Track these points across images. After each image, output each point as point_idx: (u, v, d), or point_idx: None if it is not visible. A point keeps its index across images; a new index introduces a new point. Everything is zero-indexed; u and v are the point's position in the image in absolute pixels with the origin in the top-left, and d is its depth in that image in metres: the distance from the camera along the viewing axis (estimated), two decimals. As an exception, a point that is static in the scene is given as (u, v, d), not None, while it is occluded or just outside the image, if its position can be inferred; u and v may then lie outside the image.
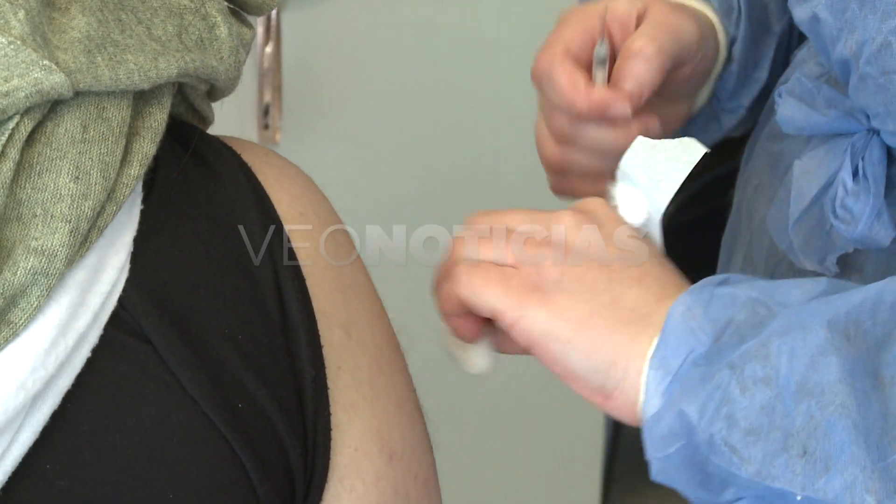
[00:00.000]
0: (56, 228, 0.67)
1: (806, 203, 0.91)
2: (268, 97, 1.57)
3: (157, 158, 0.73)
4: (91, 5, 0.70)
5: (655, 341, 0.77)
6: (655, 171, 0.84)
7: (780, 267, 0.97)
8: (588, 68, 0.96)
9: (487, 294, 0.81)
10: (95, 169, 0.68)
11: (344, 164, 1.67)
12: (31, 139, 0.68)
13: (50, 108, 0.68)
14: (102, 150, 0.69)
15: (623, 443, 2.19)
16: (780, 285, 0.78)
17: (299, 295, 0.75)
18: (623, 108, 0.94)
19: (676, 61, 0.96)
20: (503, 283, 0.81)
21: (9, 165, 0.66)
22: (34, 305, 0.66)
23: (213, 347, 0.71)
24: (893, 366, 0.73)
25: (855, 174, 0.88)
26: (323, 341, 0.75)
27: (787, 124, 0.92)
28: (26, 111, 0.67)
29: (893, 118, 0.85)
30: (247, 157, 0.78)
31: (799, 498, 0.73)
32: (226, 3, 0.76)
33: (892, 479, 0.71)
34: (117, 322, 0.69)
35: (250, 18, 0.79)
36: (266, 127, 1.59)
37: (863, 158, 0.88)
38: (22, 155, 0.67)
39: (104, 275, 0.69)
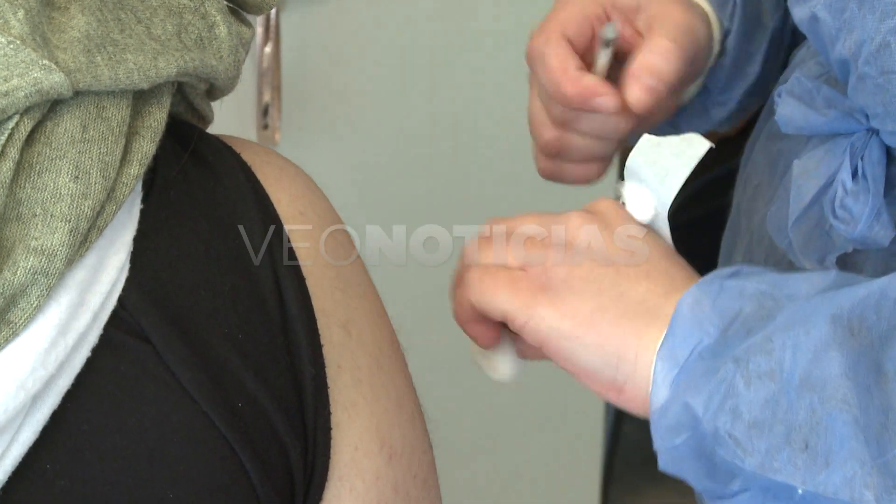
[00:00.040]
0: (56, 228, 0.67)
1: (805, 203, 0.91)
2: (267, 97, 1.57)
3: (156, 158, 0.73)
4: (90, 5, 0.70)
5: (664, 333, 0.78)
6: (661, 167, 0.84)
7: (779, 267, 0.97)
8: (582, 54, 0.96)
9: (497, 297, 0.82)
10: (95, 168, 0.68)
11: (343, 164, 1.67)
12: (30, 139, 0.68)
13: (49, 107, 0.68)
14: (102, 150, 0.69)
15: (622, 442, 2.19)
16: (788, 278, 0.78)
17: (299, 294, 0.75)
18: (610, 102, 0.93)
19: (690, 62, 0.96)
20: (512, 285, 0.82)
21: (8, 165, 0.66)
22: (34, 305, 0.66)
23: (212, 347, 0.71)
24: None
25: (854, 174, 0.88)
26: (323, 340, 0.75)
27: (786, 124, 0.92)
28: (26, 111, 0.67)
29: (892, 118, 0.85)
30: (246, 157, 0.78)
31: (800, 492, 0.73)
32: (225, 3, 0.76)
33: (891, 474, 0.72)
34: (117, 322, 0.69)
35: (249, 18, 0.79)
36: (265, 127, 1.59)
37: (862, 158, 0.88)
38: (22, 154, 0.67)
39: (104, 274, 0.69)
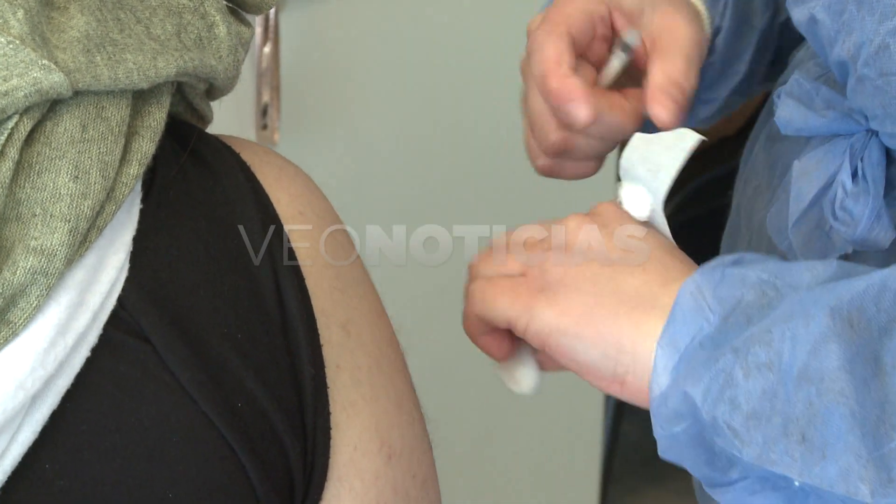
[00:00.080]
0: (55, 228, 0.67)
1: (805, 204, 0.91)
2: (266, 97, 1.57)
3: (156, 158, 0.73)
4: (90, 5, 0.70)
5: (664, 321, 0.78)
6: (653, 162, 0.85)
7: (779, 267, 0.97)
8: (581, 52, 0.95)
9: (498, 305, 0.83)
10: (95, 168, 0.68)
11: (342, 164, 1.67)
12: (30, 139, 0.68)
13: (49, 107, 0.68)
14: (101, 150, 0.69)
15: (622, 442, 2.19)
16: (790, 267, 0.79)
17: (299, 294, 0.75)
18: (582, 113, 0.91)
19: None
20: (511, 291, 0.83)
21: (8, 165, 0.66)
22: (33, 305, 0.66)
23: (212, 347, 0.71)
24: (895, 353, 0.73)
25: (854, 175, 0.88)
26: (322, 340, 0.75)
27: (785, 126, 0.92)
28: (25, 111, 0.67)
29: (892, 120, 0.85)
30: (246, 157, 0.78)
31: (797, 483, 0.74)
32: (224, 2, 0.76)
33: (887, 468, 0.72)
34: (116, 321, 0.69)
35: (249, 17, 0.79)
36: (264, 127, 1.58)
37: (862, 160, 0.88)
38: (21, 154, 0.67)
39: (103, 274, 0.69)
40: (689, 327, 0.77)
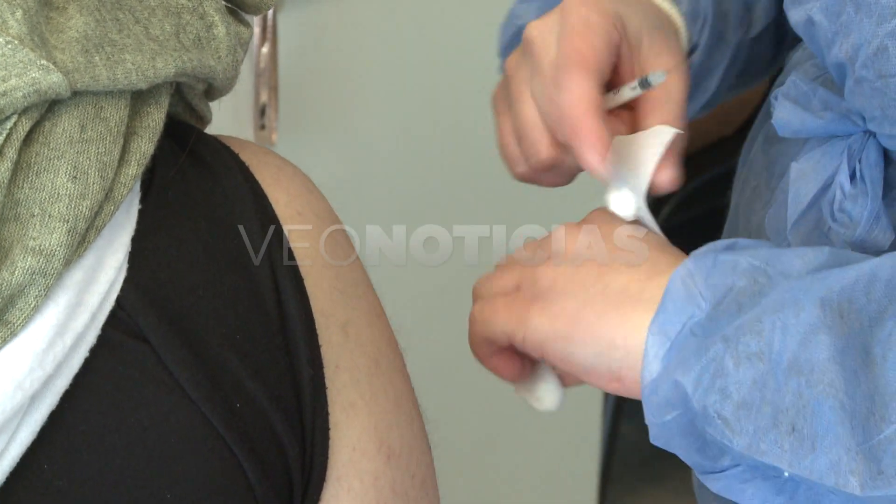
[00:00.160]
0: (54, 228, 0.67)
1: (803, 206, 0.91)
2: (264, 97, 1.57)
3: (154, 158, 0.73)
4: (89, 5, 0.70)
5: (651, 313, 0.79)
6: (633, 161, 0.86)
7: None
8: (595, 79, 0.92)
9: (496, 322, 0.85)
10: (93, 168, 0.68)
11: (341, 164, 1.67)
12: (28, 139, 0.68)
13: (48, 107, 0.68)
14: (100, 150, 0.69)
15: (620, 443, 2.19)
16: (782, 254, 0.79)
17: (298, 294, 0.75)
18: (595, 162, 0.85)
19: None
20: (507, 306, 0.84)
21: (7, 165, 0.66)
22: (32, 305, 0.66)
23: (211, 347, 0.71)
24: (885, 344, 0.74)
25: (852, 177, 0.88)
26: (321, 341, 0.75)
27: (782, 128, 0.92)
28: (24, 111, 0.67)
29: (890, 121, 0.85)
30: (245, 157, 0.78)
31: (786, 474, 0.74)
32: (223, 3, 0.76)
33: (876, 460, 0.72)
34: (115, 322, 0.69)
35: (247, 18, 0.79)
36: (262, 127, 1.58)
37: (860, 161, 0.88)
38: (20, 155, 0.67)
39: (102, 274, 0.69)
40: (680, 315, 0.78)
